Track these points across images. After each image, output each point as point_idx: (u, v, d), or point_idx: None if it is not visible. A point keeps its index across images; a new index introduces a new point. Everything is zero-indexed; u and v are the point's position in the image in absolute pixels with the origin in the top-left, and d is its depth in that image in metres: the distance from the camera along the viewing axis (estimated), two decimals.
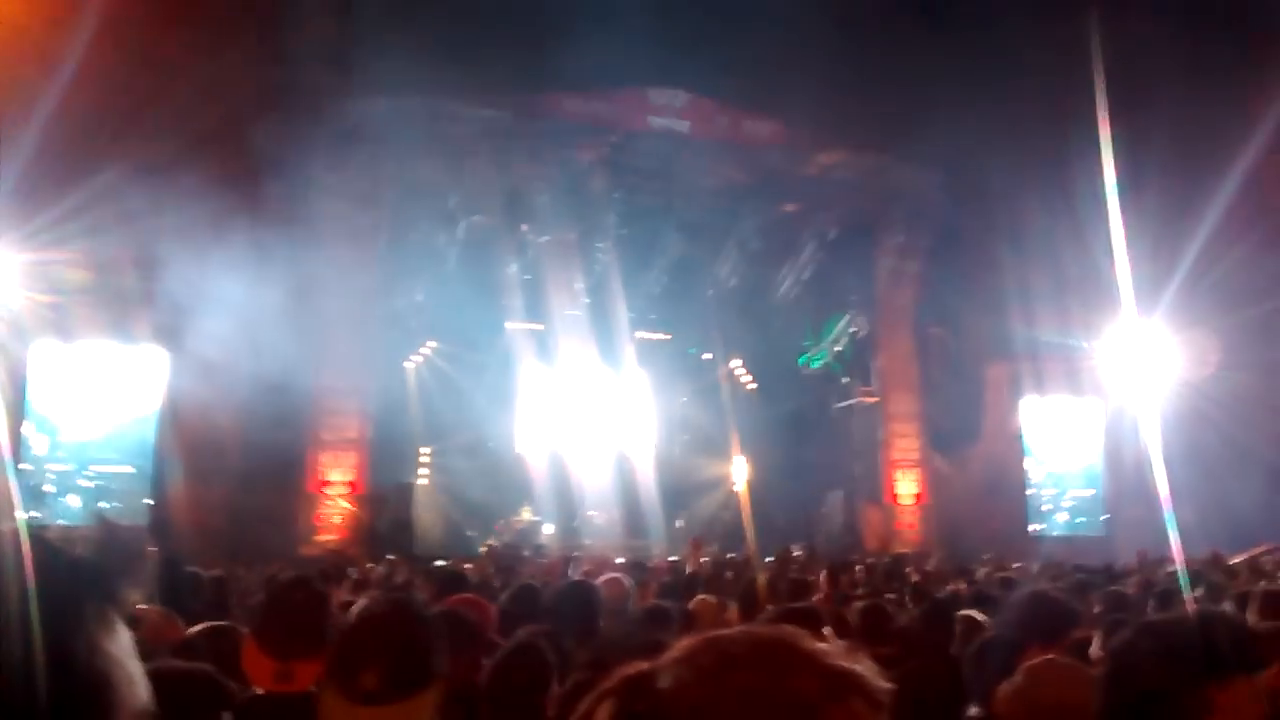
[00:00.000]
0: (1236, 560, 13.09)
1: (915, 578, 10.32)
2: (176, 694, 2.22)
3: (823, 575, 8.64)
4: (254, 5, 16.17)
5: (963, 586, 8.89)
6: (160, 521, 16.10)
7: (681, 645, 0.97)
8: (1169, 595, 6.32)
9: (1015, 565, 13.65)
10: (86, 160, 14.54)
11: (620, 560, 13.31)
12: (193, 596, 4.77)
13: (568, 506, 22.64)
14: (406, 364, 22.98)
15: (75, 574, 1.08)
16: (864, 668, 0.94)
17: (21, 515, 1.11)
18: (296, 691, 2.57)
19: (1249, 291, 19.84)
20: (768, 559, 12.72)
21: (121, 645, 1.07)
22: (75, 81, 13.82)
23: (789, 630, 0.97)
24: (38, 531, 1.06)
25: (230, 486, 17.14)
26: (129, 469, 17.48)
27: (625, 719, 0.94)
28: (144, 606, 3.86)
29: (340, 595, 6.15)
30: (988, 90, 18.52)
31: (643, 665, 0.97)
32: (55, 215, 14.73)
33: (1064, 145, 18.41)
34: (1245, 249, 19.22)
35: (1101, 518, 23.75)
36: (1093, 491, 24.06)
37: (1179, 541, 11.87)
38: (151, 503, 17.07)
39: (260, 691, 2.71)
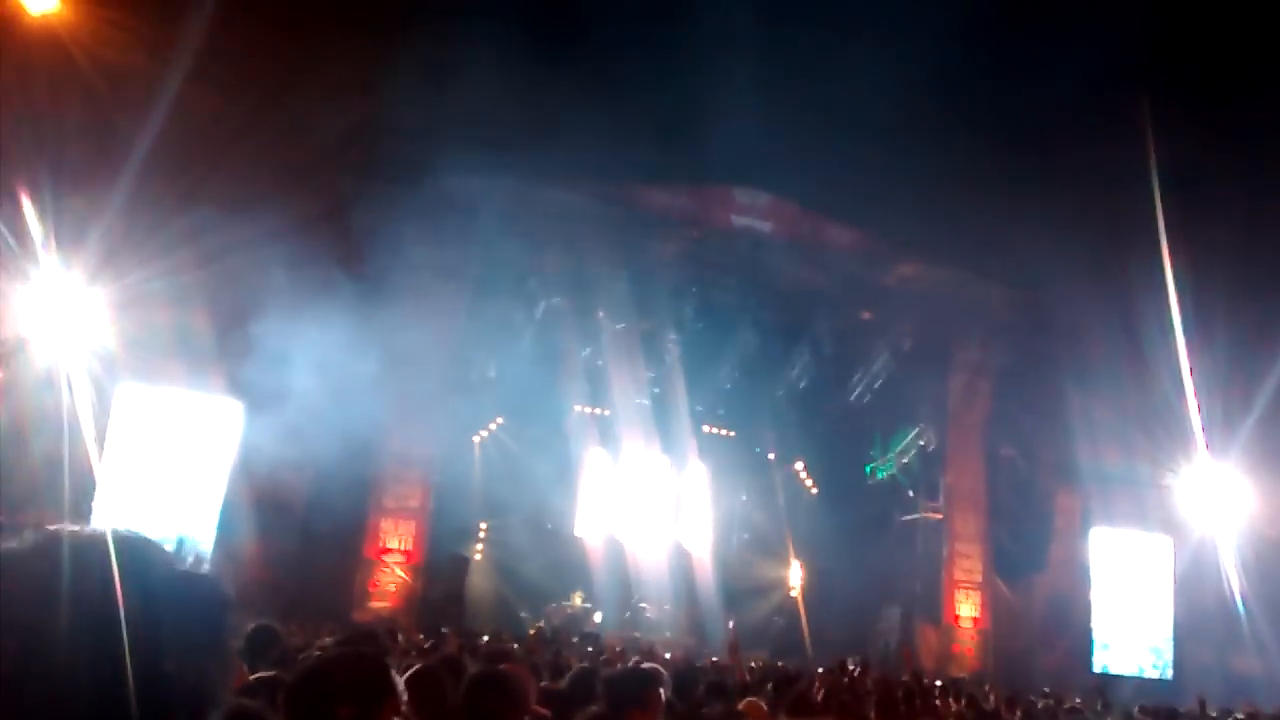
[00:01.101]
0: None
1: (987, 704, 10.01)
2: None
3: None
4: (358, 72, 16.78)
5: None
6: (221, 574, 16.25)
7: None
8: None
9: (1076, 701, 13.19)
10: (184, 209, 15.08)
11: (668, 655, 13.14)
12: (264, 648, 4.84)
13: (621, 595, 22.46)
14: (474, 438, 23.17)
15: (220, 597, 1.17)
16: None
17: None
18: None
19: None
20: (820, 669, 12.46)
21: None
22: (169, 127, 14.43)
23: None
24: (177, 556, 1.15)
25: (292, 545, 17.34)
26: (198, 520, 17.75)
27: None
28: None
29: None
30: (1070, 215, 18.55)
31: None
32: (144, 256, 15.20)
33: (1143, 275, 18.31)
34: None
35: (1168, 660, 22.84)
36: (1161, 634, 23.16)
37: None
38: (213, 556, 17.29)
39: None
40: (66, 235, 14.67)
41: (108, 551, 1.10)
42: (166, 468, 17.31)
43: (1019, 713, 9.68)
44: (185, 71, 14.68)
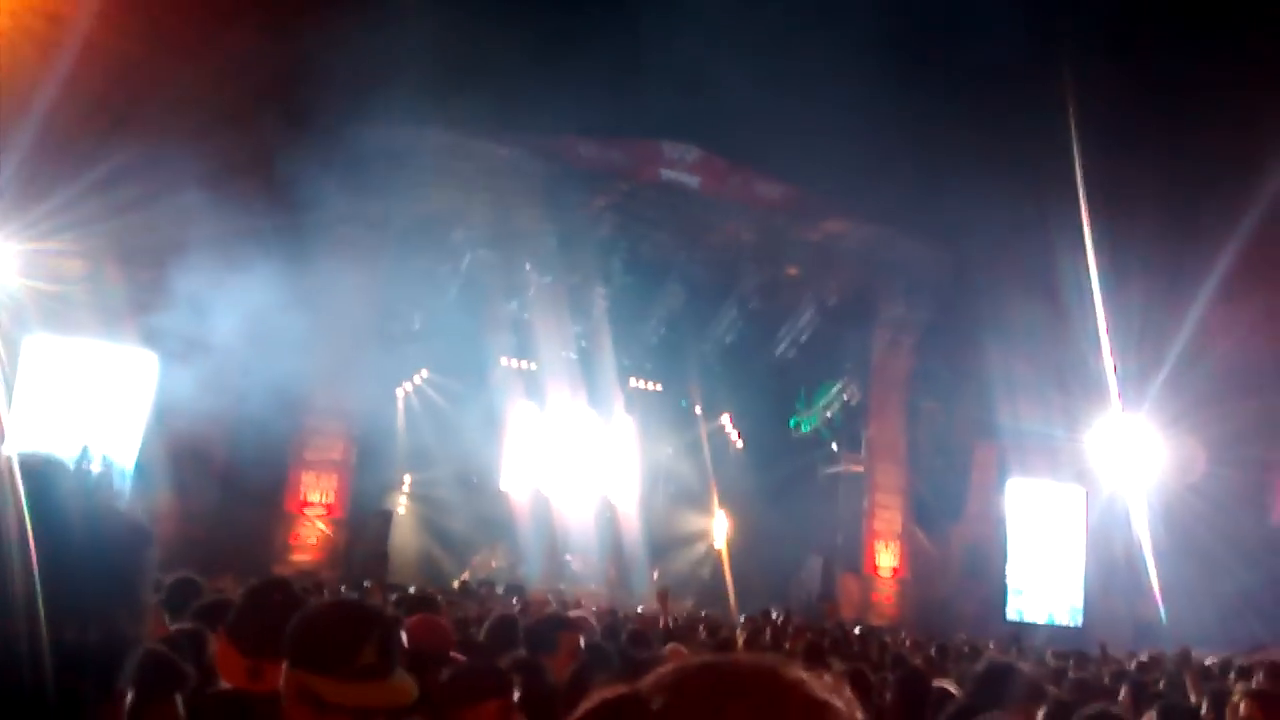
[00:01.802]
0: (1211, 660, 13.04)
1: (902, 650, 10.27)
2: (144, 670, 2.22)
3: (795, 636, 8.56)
4: (281, 15, 16.30)
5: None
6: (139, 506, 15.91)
7: (671, 668, 0.93)
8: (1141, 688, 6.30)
9: (990, 646, 13.57)
10: (90, 154, 14.54)
11: (594, 608, 13.21)
12: (184, 600, 4.74)
13: (547, 548, 22.50)
14: (397, 390, 22.91)
15: (140, 537, 1.08)
16: (845, 702, 0.93)
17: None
18: (264, 691, 2.54)
19: (1236, 388, 19.97)
20: (743, 617, 12.64)
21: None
22: (83, 72, 13.89)
23: (778, 659, 0.95)
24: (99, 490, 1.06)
25: (211, 498, 17.00)
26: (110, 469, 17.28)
27: None
28: None
29: None
30: (992, 173, 18.79)
31: (629, 687, 0.93)
32: (55, 205, 14.69)
33: (1062, 233, 18.69)
34: (1231, 344, 19.39)
35: (1079, 608, 23.62)
36: (1073, 582, 23.91)
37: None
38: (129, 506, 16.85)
39: (228, 687, 2.69)
40: None
41: (8, 479, 0.99)
42: (78, 420, 16.81)
43: (930, 653, 9.95)
44: (100, 12, 14.12)
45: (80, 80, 14.11)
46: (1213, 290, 18.90)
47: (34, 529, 0.96)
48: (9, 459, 1.01)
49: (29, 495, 0.98)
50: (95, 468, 1.10)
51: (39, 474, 1.03)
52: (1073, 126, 18.33)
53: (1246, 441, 20.85)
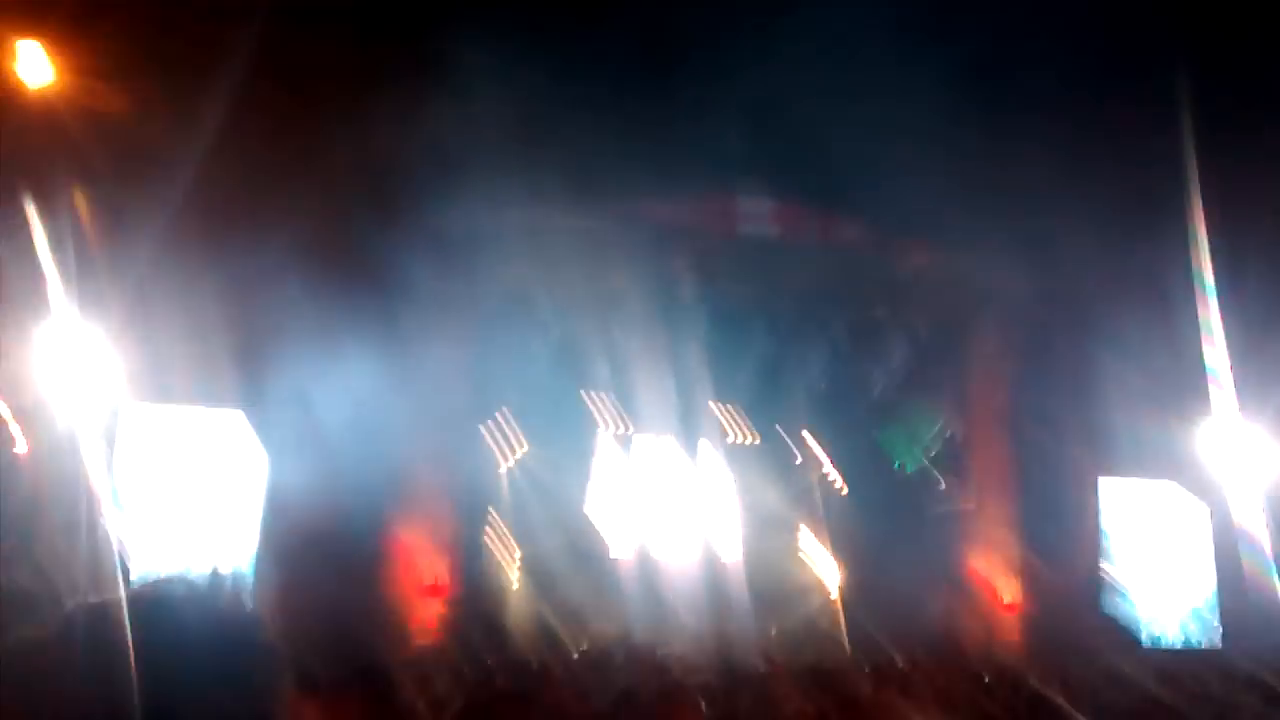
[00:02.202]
0: None
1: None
2: None
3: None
4: (365, 99, 16.82)
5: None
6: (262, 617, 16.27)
7: None
8: None
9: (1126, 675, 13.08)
10: (194, 227, 15.04)
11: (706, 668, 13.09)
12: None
13: (660, 611, 22.38)
14: (500, 469, 23.17)
15: (273, 659, 1.16)
16: None
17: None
18: None
19: None
20: (867, 669, 12.40)
21: None
22: (181, 151, 14.48)
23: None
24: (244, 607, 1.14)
25: (327, 585, 17.29)
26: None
27: None
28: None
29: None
30: (1082, 186, 18.41)
31: None
32: (155, 279, 15.15)
33: (1166, 239, 18.15)
34: None
35: (1215, 627, 22.60)
36: (1205, 601, 22.92)
37: None
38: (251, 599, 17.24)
39: None
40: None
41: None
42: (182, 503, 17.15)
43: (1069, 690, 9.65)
44: (198, 114, 14.76)
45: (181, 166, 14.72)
46: None
47: (170, 658, 1.02)
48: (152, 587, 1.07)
49: (161, 623, 1.03)
50: (224, 587, 1.16)
51: (171, 602, 1.08)
52: (1180, 131, 17.81)
53: None
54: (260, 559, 17.19)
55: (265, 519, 17.52)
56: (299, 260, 15.57)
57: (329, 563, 17.52)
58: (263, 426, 17.13)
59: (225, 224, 15.51)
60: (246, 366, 16.54)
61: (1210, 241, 18.11)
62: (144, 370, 16.21)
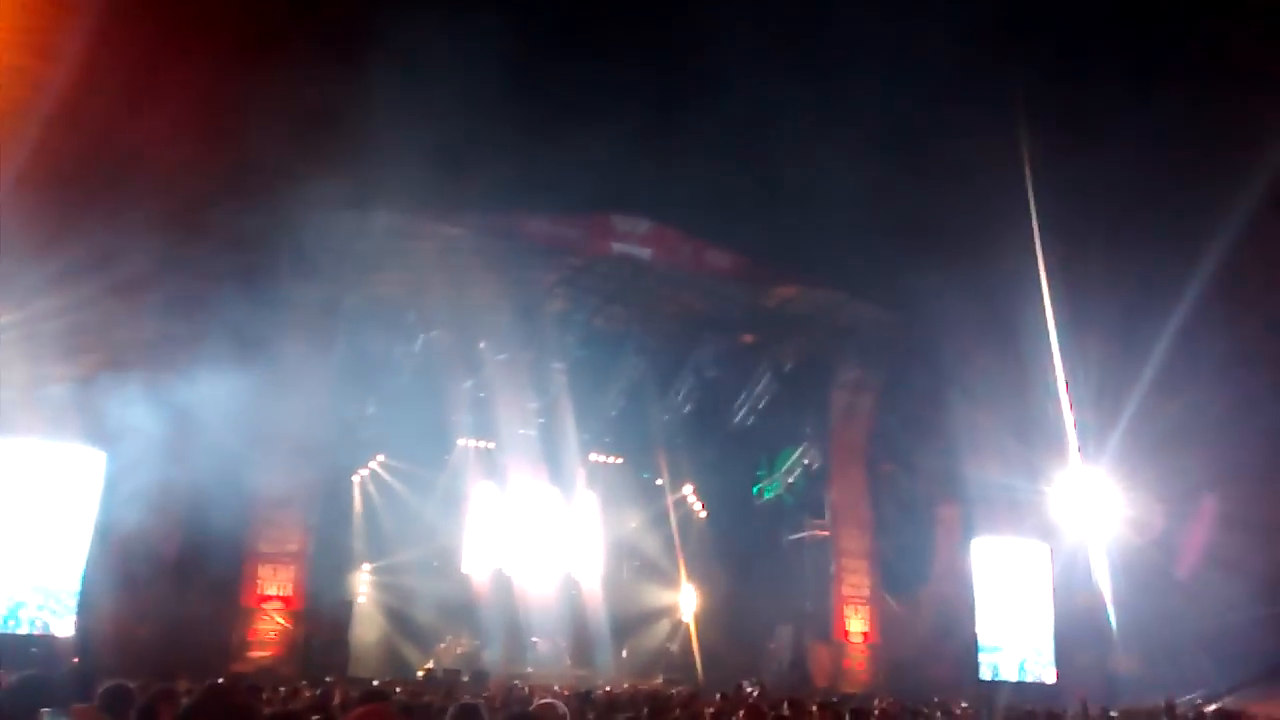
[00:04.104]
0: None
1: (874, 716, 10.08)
2: None
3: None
4: (221, 110, 16.21)
5: None
6: (87, 630, 15.42)
7: None
8: None
9: (963, 706, 13.40)
10: (34, 246, 14.25)
11: (563, 690, 12.90)
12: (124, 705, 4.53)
13: (512, 631, 22.07)
14: (353, 477, 22.51)
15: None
16: None
17: None
18: None
19: (1192, 441, 20.11)
20: (717, 696, 12.37)
21: None
22: (29, 176, 13.67)
23: None
24: None
25: (166, 596, 16.48)
26: (57, 573, 16.66)
27: None
28: (82, 706, 3.82)
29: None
30: (942, 233, 19.03)
31: None
32: (4, 307, 14.38)
33: (1018, 290, 18.88)
34: (1190, 398, 19.58)
35: (1050, 663, 23.47)
36: (1042, 638, 23.78)
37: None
38: (77, 611, 16.24)
39: None
40: None
41: None
42: (24, 522, 16.22)
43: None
44: (47, 115, 13.92)
45: (25, 180, 13.89)
46: (1169, 343, 19.09)
47: None
48: None
49: None
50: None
51: None
52: (1026, 182, 18.60)
53: (1201, 497, 21.02)
54: (93, 572, 16.20)
55: (100, 524, 16.53)
56: (152, 269, 14.88)
57: (168, 575, 16.73)
58: (106, 432, 16.20)
59: (77, 232, 14.72)
60: (92, 380, 15.74)
61: (1060, 292, 18.97)
62: None
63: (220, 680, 12.36)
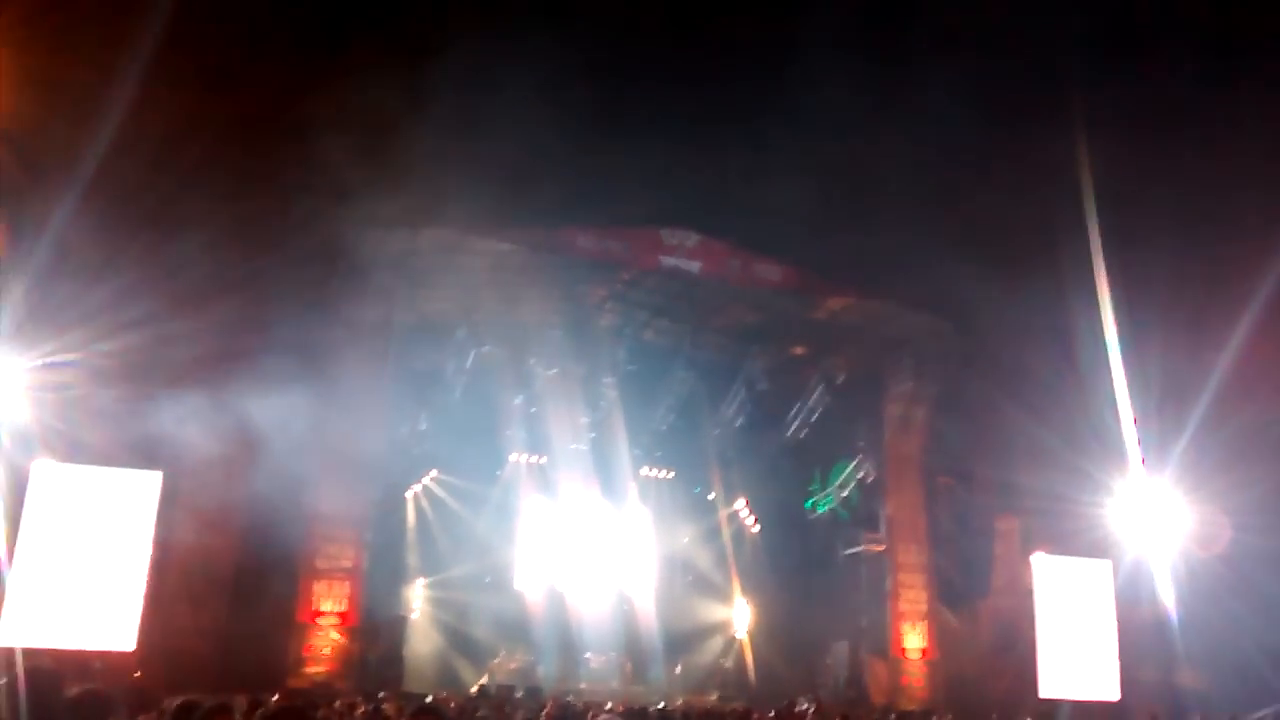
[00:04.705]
0: None
1: None
2: None
3: None
4: (275, 129, 16.43)
5: None
6: (148, 646, 15.63)
7: None
8: None
9: None
10: (91, 275, 14.54)
11: (619, 708, 12.81)
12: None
13: (566, 646, 22.04)
14: (407, 493, 22.66)
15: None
16: None
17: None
18: None
19: (1259, 451, 19.59)
20: (771, 713, 12.23)
21: None
22: (89, 196, 13.94)
23: None
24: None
25: (222, 613, 16.70)
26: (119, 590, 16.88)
27: None
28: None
29: None
30: (999, 239, 18.73)
31: None
32: (60, 329, 14.63)
33: (1077, 297, 18.52)
34: (1258, 405, 19.07)
35: (1113, 681, 22.89)
36: (1106, 654, 23.20)
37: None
38: (138, 627, 16.46)
39: None
40: None
41: None
42: (86, 546, 16.46)
43: None
44: (106, 135, 14.21)
45: (85, 204, 14.17)
46: (1235, 352, 18.60)
47: None
48: None
49: None
50: None
51: None
52: (1084, 186, 18.23)
53: (1270, 508, 20.41)
54: (154, 592, 16.43)
55: (159, 543, 16.75)
56: (207, 290, 15.11)
57: (225, 592, 16.95)
58: (162, 453, 16.44)
59: (133, 255, 14.98)
60: (149, 402, 15.99)
61: (1121, 298, 18.55)
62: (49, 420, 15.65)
63: (275, 697, 12.44)
